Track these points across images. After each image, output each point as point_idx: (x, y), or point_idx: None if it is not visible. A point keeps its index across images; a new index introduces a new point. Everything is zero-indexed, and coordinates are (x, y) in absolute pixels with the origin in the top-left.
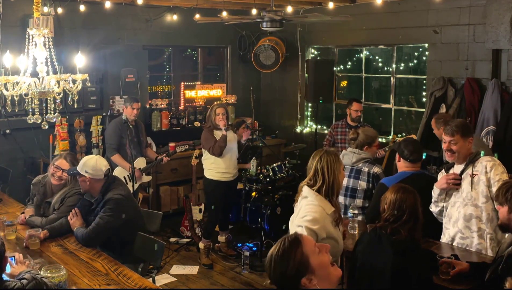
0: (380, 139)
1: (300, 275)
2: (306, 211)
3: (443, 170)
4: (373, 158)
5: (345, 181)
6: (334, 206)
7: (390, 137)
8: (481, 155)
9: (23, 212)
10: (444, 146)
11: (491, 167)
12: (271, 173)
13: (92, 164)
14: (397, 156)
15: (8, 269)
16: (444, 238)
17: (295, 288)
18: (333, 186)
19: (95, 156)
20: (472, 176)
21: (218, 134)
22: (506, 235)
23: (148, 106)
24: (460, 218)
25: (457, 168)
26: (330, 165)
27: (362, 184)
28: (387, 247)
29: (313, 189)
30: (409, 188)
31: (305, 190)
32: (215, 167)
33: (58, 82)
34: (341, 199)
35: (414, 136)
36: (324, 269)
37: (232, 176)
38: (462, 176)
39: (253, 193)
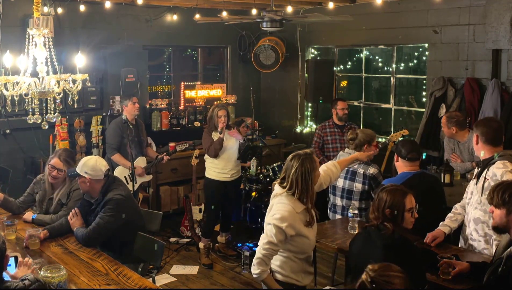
0: (380, 139)
1: None
2: (276, 210)
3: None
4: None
5: (340, 183)
6: (306, 206)
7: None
8: (495, 157)
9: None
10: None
11: (501, 175)
12: (271, 173)
13: (91, 164)
14: (395, 156)
15: (13, 270)
16: (463, 235)
17: None
18: (307, 191)
19: (94, 157)
20: (485, 180)
21: (216, 136)
22: (502, 236)
23: (148, 106)
24: (471, 219)
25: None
26: (304, 176)
27: (358, 185)
28: (377, 242)
29: (288, 192)
30: (398, 187)
31: (277, 189)
32: (213, 167)
33: (58, 82)
34: (337, 200)
35: (406, 131)
36: None
37: (230, 176)
38: (479, 178)
39: (253, 193)
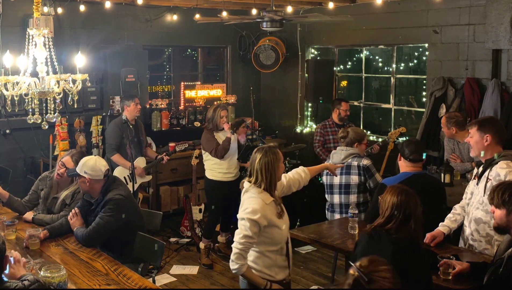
0: (380, 139)
1: None
2: (247, 204)
3: (475, 167)
4: (364, 155)
5: (337, 179)
6: (274, 197)
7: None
8: (495, 157)
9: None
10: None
11: (505, 176)
12: None
13: (91, 164)
14: (399, 155)
15: (6, 270)
16: (463, 235)
17: None
18: (271, 182)
19: (94, 157)
20: (487, 181)
21: (219, 136)
22: (503, 236)
23: (148, 106)
24: (472, 220)
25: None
26: (267, 166)
27: (354, 178)
28: (387, 245)
29: (255, 185)
30: (408, 190)
31: (246, 185)
32: (217, 168)
33: (58, 82)
34: (335, 198)
35: (404, 129)
36: None
37: (234, 176)
38: (481, 179)
39: None
